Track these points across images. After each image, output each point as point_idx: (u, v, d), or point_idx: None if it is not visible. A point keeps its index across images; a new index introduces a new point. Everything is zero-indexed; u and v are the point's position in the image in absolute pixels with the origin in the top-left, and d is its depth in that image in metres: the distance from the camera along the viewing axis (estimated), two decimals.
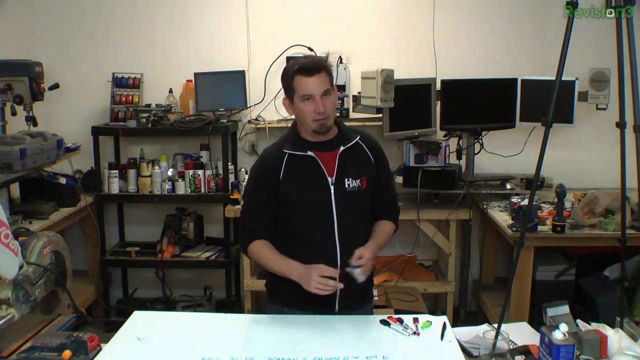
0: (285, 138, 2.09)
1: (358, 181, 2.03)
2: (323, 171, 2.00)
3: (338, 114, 3.70)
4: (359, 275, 1.92)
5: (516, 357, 1.67)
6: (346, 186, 2.01)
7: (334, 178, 2.00)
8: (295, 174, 2.02)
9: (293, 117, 2.06)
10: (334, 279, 1.88)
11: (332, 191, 2.00)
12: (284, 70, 2.01)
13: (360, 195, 2.04)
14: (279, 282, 2.05)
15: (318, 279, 1.88)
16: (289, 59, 3.82)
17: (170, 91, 3.85)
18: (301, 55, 3.78)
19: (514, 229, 2.99)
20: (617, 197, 2.65)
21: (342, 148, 2.02)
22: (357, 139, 2.06)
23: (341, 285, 1.90)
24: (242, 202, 2.22)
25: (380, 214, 2.15)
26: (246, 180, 2.44)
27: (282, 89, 2.04)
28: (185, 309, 3.81)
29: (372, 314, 2.16)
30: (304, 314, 2.00)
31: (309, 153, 2.00)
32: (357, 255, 1.94)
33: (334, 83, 2.04)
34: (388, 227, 2.15)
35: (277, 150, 2.05)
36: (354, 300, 2.06)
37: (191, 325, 1.99)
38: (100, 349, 1.74)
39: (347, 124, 3.56)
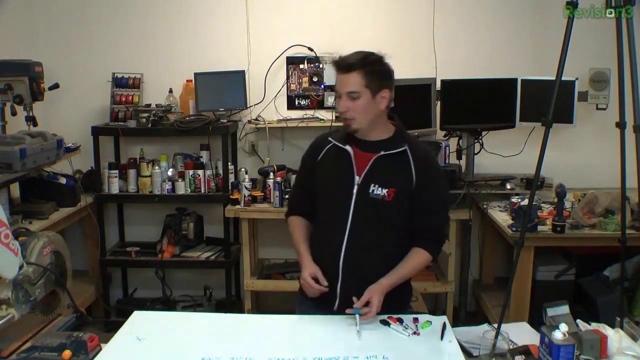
0: (339, 128, 2.12)
1: (385, 191, 1.96)
2: (353, 169, 2.00)
3: (338, 114, 3.69)
4: (357, 323, 1.85)
5: (516, 357, 1.67)
6: (370, 191, 1.97)
7: (360, 179, 1.98)
8: (329, 162, 2.06)
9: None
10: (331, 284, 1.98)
11: (355, 192, 1.98)
12: None
13: (383, 206, 1.97)
14: None
15: (306, 279, 1.98)
16: (288, 59, 3.83)
17: (170, 91, 3.85)
18: (302, 55, 3.80)
19: (514, 229, 2.99)
20: (617, 197, 2.65)
21: (381, 153, 1.98)
22: (403, 148, 2.00)
23: (324, 289, 1.97)
24: None
25: (417, 239, 2.05)
26: None
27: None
28: (185, 309, 3.80)
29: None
30: (308, 314, 2.01)
31: (346, 147, 2.02)
32: (365, 299, 1.89)
33: (381, 84, 1.98)
34: (419, 258, 2.03)
35: (325, 137, 2.13)
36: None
37: (191, 325, 1.98)
38: (100, 349, 1.74)
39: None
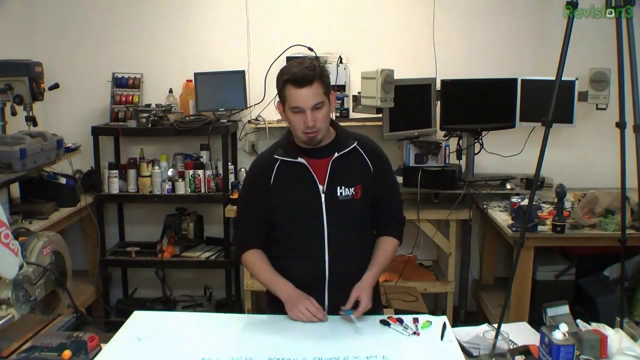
0: (278, 144, 2.05)
1: (352, 190, 1.96)
2: (314, 178, 1.95)
3: (338, 114, 3.71)
4: (354, 319, 1.88)
5: (516, 357, 1.67)
6: (338, 194, 1.95)
7: (325, 186, 1.95)
8: (285, 181, 1.98)
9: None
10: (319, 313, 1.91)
11: (323, 199, 1.95)
12: (277, 74, 1.94)
13: (354, 205, 1.97)
14: (269, 294, 2.08)
15: (303, 310, 1.90)
16: (289, 59, 3.82)
17: (170, 91, 3.85)
18: (301, 55, 3.79)
19: (514, 229, 2.99)
20: (617, 197, 2.65)
21: (336, 154, 1.96)
22: (354, 145, 1.99)
23: (325, 320, 1.91)
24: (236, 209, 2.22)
25: (382, 227, 2.08)
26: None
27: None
28: (185, 309, 3.81)
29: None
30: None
31: (300, 160, 1.96)
32: (354, 299, 1.90)
33: (330, 88, 1.94)
34: (389, 246, 2.07)
35: (269, 156, 2.02)
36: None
37: (191, 325, 1.98)
38: (100, 349, 1.74)
39: (346, 124, 3.57)
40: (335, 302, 1.94)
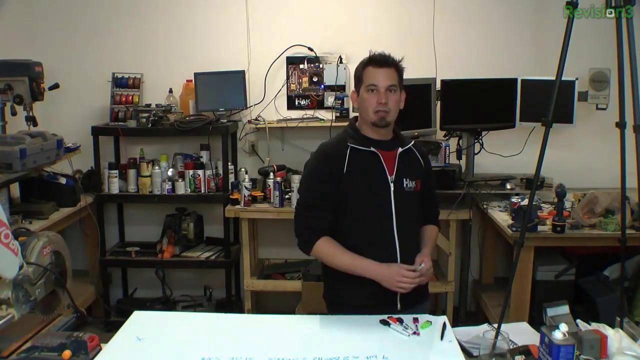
0: (345, 134, 2.12)
1: (414, 182, 2.10)
2: (384, 168, 2.05)
3: (338, 114, 3.71)
4: (420, 266, 2.02)
5: (516, 357, 1.67)
6: (404, 186, 2.08)
7: (394, 176, 2.06)
8: (358, 168, 2.05)
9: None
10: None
11: (392, 189, 2.05)
12: (358, 64, 2.11)
13: (414, 196, 2.12)
14: (339, 287, 2.11)
15: (401, 277, 1.97)
16: (288, 59, 3.83)
17: (170, 91, 3.85)
18: (302, 55, 3.81)
19: (514, 229, 2.99)
20: (617, 197, 2.65)
21: (400, 149, 2.09)
22: (411, 144, 2.14)
23: (424, 279, 2.02)
24: (298, 197, 2.21)
25: (428, 218, 2.25)
26: (302, 175, 2.32)
27: (355, 80, 2.15)
28: (185, 309, 3.81)
29: (428, 312, 2.10)
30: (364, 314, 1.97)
31: (372, 149, 2.05)
32: (420, 261, 2.03)
33: (403, 86, 2.10)
34: (434, 232, 2.26)
35: (339, 144, 2.08)
36: (414, 298, 2.07)
37: (191, 325, 1.98)
38: (100, 349, 1.74)
39: (346, 124, 3.58)
40: (407, 294, 2.02)
